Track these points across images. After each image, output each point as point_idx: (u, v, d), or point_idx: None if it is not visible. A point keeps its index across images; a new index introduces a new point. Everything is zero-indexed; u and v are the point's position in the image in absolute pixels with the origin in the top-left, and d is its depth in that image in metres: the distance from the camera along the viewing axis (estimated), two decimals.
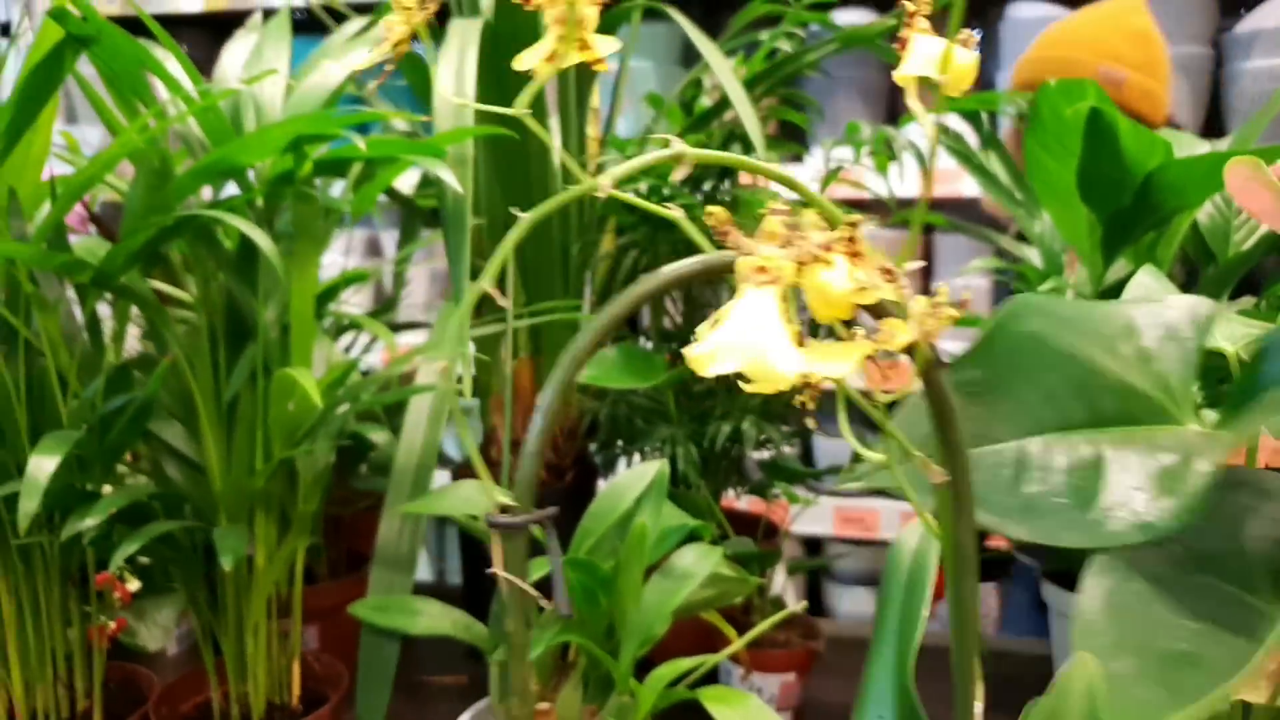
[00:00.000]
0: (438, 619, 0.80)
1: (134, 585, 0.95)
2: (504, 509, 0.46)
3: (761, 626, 0.78)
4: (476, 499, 0.75)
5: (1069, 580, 1.03)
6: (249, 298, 0.73)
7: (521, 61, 0.39)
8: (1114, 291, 0.89)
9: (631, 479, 0.79)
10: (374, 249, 2.27)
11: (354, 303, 1.08)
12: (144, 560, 0.97)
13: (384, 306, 1.08)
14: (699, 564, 0.74)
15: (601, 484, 1.05)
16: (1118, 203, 0.87)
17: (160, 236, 0.67)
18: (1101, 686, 0.36)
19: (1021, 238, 1.15)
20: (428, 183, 1.15)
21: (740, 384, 0.38)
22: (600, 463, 1.14)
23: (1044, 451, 0.43)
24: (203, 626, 0.78)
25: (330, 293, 0.82)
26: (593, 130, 1.11)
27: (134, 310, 0.79)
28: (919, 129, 0.97)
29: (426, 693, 1.05)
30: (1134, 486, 0.41)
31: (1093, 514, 0.40)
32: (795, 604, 0.86)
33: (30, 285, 0.65)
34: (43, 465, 0.60)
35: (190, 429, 0.75)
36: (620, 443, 1.05)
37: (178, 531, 0.74)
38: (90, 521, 0.61)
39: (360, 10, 1.06)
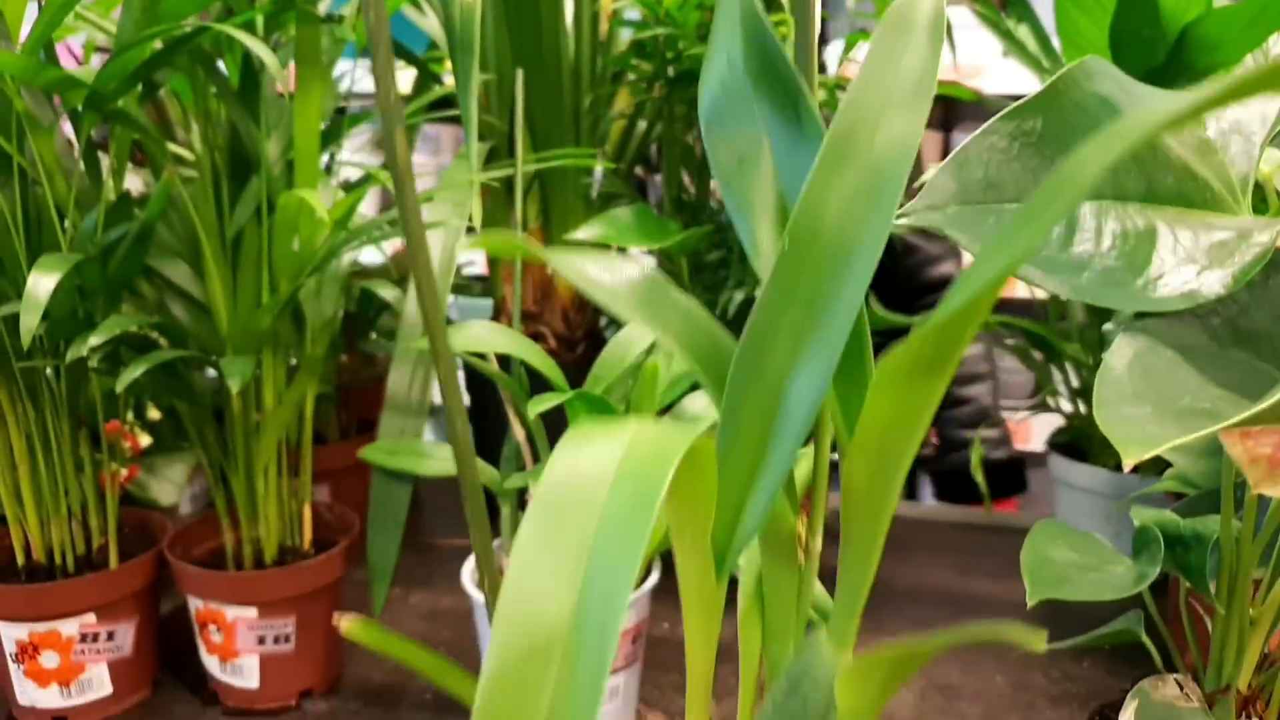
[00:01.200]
0: (447, 462, 0.78)
1: (145, 440, 0.93)
2: None
3: None
4: (486, 337, 0.72)
5: (1077, 453, 1.00)
6: (251, 129, 0.69)
7: None
8: None
9: (636, 333, 0.76)
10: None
11: (360, 211, 1.04)
12: (154, 416, 0.95)
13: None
14: (710, 408, 0.71)
15: None
16: (1151, 60, 0.82)
17: (156, 59, 0.63)
18: None
19: None
20: (435, 55, 1.11)
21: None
22: (611, 336, 1.11)
23: (1097, 215, 0.39)
24: (214, 470, 0.75)
25: (333, 133, 0.78)
26: None
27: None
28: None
29: (435, 554, 1.03)
30: (1185, 258, 0.38)
31: (1140, 280, 0.37)
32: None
33: (21, 102, 0.61)
34: (42, 283, 0.57)
35: (195, 268, 0.72)
36: None
37: (187, 373, 0.72)
38: (94, 340, 0.59)
39: None
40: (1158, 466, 0.83)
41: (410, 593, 0.94)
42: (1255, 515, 0.52)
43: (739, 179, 0.34)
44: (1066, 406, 1.02)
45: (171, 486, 0.93)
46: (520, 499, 0.75)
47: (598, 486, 0.25)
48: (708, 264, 1.00)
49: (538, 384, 0.75)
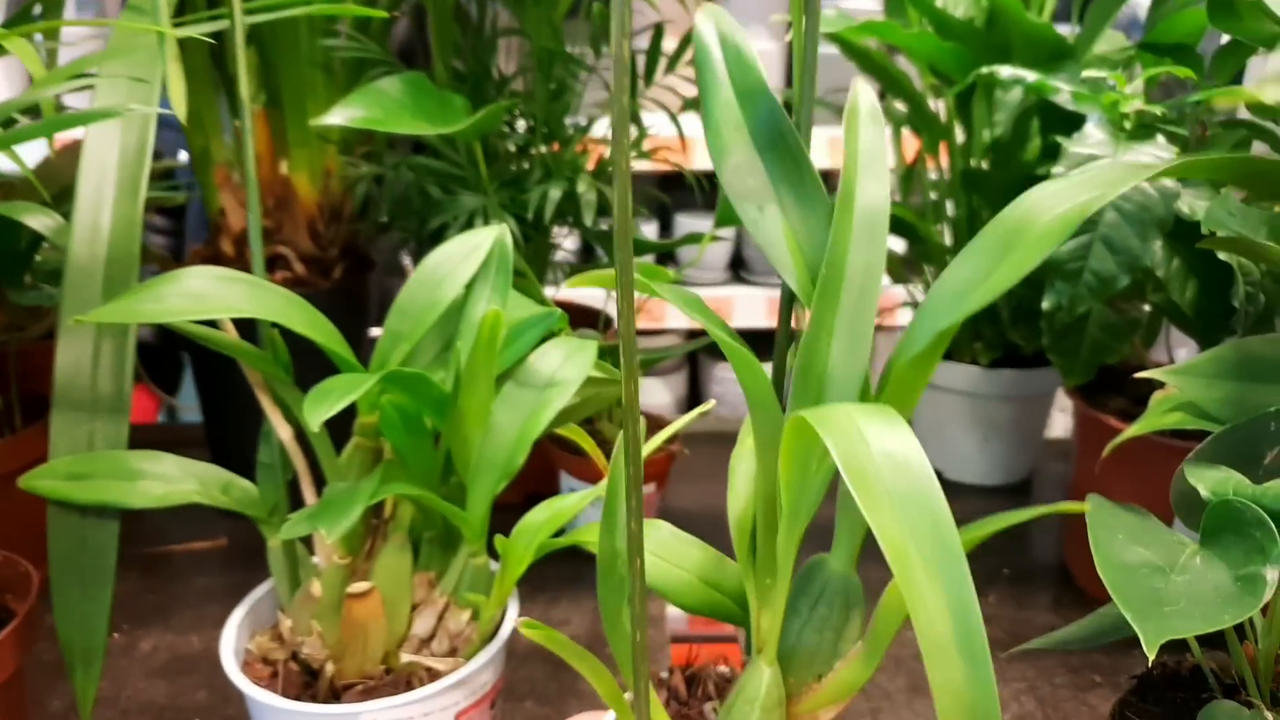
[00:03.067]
0: (175, 481, 0.50)
1: None
2: None
3: (667, 433, 0.54)
4: (214, 294, 0.45)
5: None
6: None
7: None
8: None
9: (449, 258, 0.52)
10: None
11: None
12: None
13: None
14: (570, 365, 0.49)
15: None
16: None
17: None
18: None
19: None
20: None
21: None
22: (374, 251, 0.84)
23: None
24: None
25: None
26: None
27: None
28: None
29: (173, 565, 0.75)
30: None
31: None
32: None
33: None
34: None
35: None
36: (406, 223, 0.76)
37: None
38: None
39: None
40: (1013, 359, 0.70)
41: (139, 638, 0.66)
42: None
43: (762, 221, 0.37)
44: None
45: None
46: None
47: None
48: (506, 153, 0.75)
49: (303, 351, 0.49)
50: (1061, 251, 0.57)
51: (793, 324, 0.41)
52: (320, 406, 0.40)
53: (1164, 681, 0.49)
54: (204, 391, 0.78)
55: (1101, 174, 0.34)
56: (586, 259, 1.01)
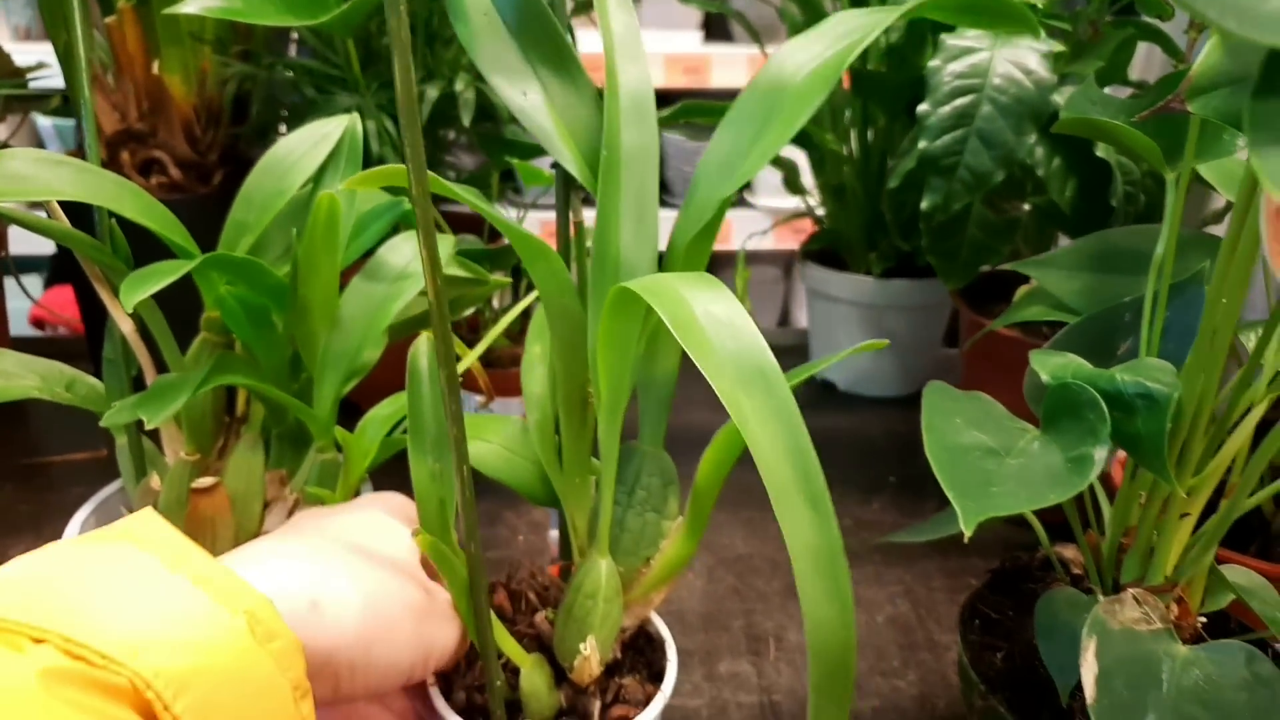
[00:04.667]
0: (14, 377, 0.47)
1: None
2: None
3: (499, 327, 0.52)
4: (35, 175, 0.41)
5: (833, 260, 0.85)
6: None
7: None
8: None
9: (297, 146, 0.48)
10: None
11: None
12: None
13: None
14: (418, 261, 0.46)
15: None
16: None
17: None
18: None
19: None
20: None
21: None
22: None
23: None
24: None
25: None
26: None
27: None
28: None
29: (49, 477, 0.72)
30: None
31: None
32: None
33: None
34: None
35: None
36: (283, 124, 0.72)
37: None
38: None
39: None
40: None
41: (8, 546, 0.63)
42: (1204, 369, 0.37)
43: (527, 106, 0.36)
44: (819, 210, 0.86)
45: None
46: (141, 426, 0.47)
47: None
48: (383, 50, 0.71)
49: (148, 244, 0.46)
50: (936, 146, 0.55)
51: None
52: (138, 288, 0.37)
53: (1017, 574, 0.48)
54: (81, 298, 0.74)
55: (847, 22, 0.32)
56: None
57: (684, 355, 0.36)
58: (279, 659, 0.28)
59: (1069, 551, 0.46)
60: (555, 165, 0.37)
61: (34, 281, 1.66)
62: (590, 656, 0.37)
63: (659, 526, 0.37)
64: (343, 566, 0.34)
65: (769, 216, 1.81)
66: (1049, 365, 0.39)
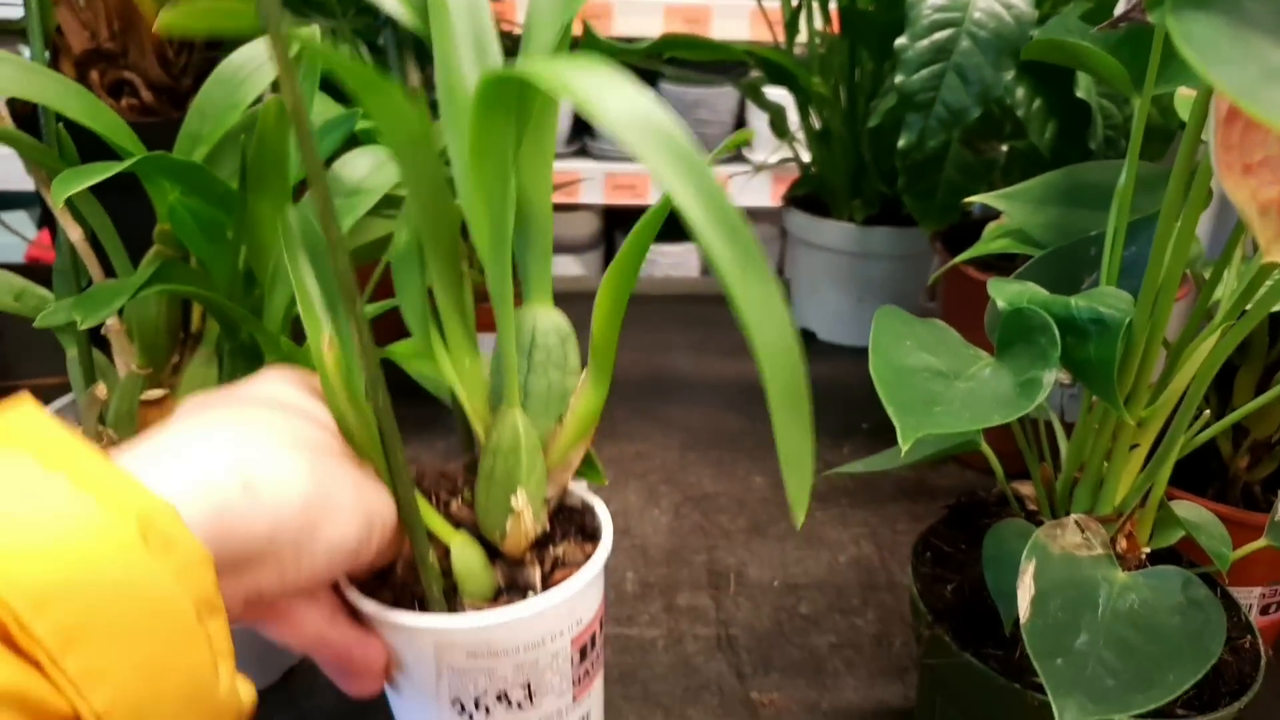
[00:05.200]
0: None
1: None
2: None
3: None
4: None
5: (817, 207, 0.84)
6: None
7: None
8: None
9: (253, 58, 0.47)
10: None
11: None
12: None
13: None
14: (380, 174, 0.45)
15: None
16: None
17: None
18: None
19: None
20: None
21: None
22: None
23: None
24: None
25: None
26: None
27: None
28: None
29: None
30: None
31: None
32: None
33: None
34: None
35: None
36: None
37: None
38: None
39: None
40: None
41: None
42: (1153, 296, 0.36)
43: None
44: (805, 155, 0.84)
45: None
46: (94, 334, 0.47)
47: None
48: None
49: (105, 156, 0.45)
50: (913, 81, 0.54)
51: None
52: (70, 183, 0.36)
53: (972, 510, 0.48)
54: (50, 224, 0.73)
55: None
56: None
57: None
58: (179, 572, 0.24)
59: (1025, 488, 0.46)
60: (385, 21, 0.34)
61: (21, 219, 1.64)
62: (522, 513, 0.35)
63: (564, 383, 0.36)
64: (271, 440, 0.30)
65: (768, 178, 1.79)
66: (1006, 292, 0.38)
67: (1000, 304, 0.38)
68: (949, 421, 0.32)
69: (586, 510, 0.40)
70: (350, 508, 0.31)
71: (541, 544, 0.37)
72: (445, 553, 0.36)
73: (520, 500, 0.35)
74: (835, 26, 0.76)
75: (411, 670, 0.35)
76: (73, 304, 0.39)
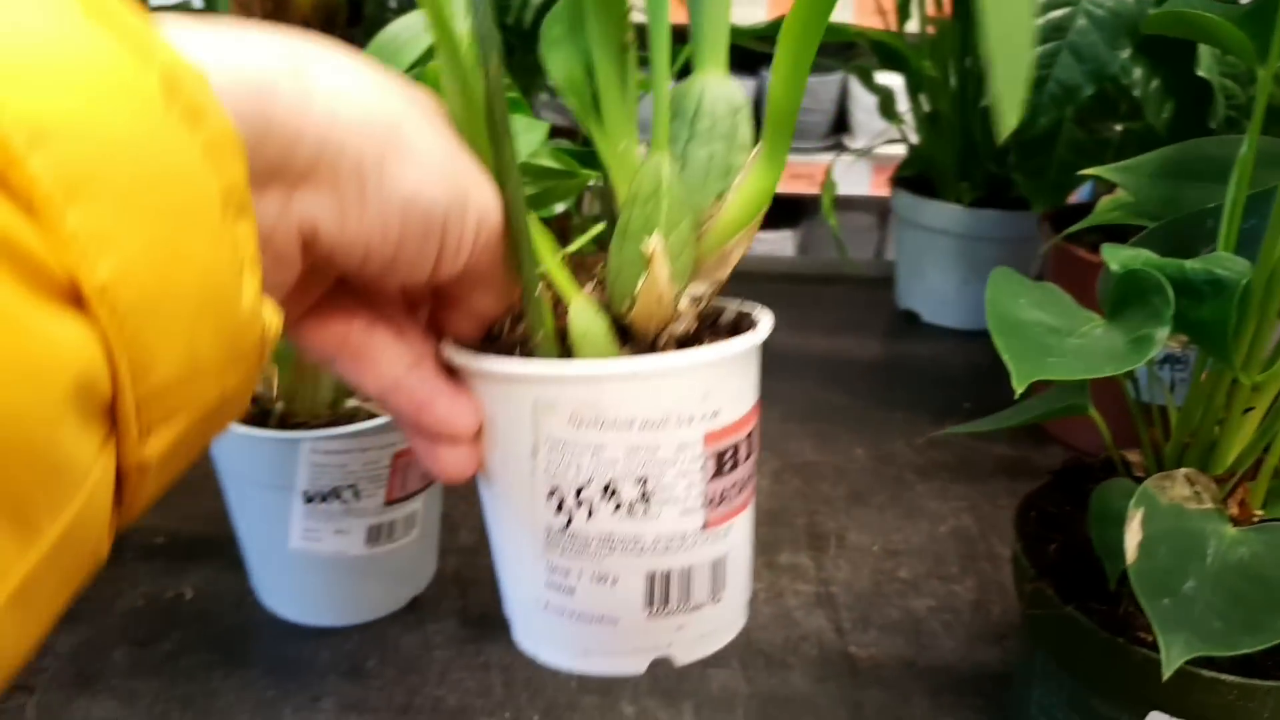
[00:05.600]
0: None
1: None
2: None
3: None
4: None
5: (925, 187, 0.85)
6: None
7: None
8: None
9: (409, 27, 0.51)
10: None
11: None
12: None
13: None
14: (519, 139, 0.48)
15: None
16: None
17: None
18: None
19: None
20: None
21: None
22: None
23: None
24: None
25: None
26: None
27: None
28: None
29: None
30: None
31: None
32: None
33: None
34: None
35: None
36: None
37: None
38: None
39: None
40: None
41: None
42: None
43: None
44: (913, 137, 0.85)
45: None
46: None
47: None
48: None
49: None
50: None
51: None
52: None
53: (1079, 475, 0.49)
54: None
55: None
56: None
57: None
58: (207, 149, 0.19)
59: (1133, 455, 0.46)
60: None
61: None
62: (656, 265, 0.29)
63: (729, 158, 0.30)
64: (343, 55, 0.25)
65: (868, 166, 1.79)
66: (1120, 256, 0.39)
67: (1114, 267, 0.39)
68: (1062, 369, 0.33)
69: (743, 319, 0.34)
70: (437, 164, 0.25)
71: (683, 344, 0.31)
72: (563, 319, 0.31)
73: (654, 243, 0.29)
74: (947, 9, 0.77)
75: (505, 444, 0.30)
76: None
